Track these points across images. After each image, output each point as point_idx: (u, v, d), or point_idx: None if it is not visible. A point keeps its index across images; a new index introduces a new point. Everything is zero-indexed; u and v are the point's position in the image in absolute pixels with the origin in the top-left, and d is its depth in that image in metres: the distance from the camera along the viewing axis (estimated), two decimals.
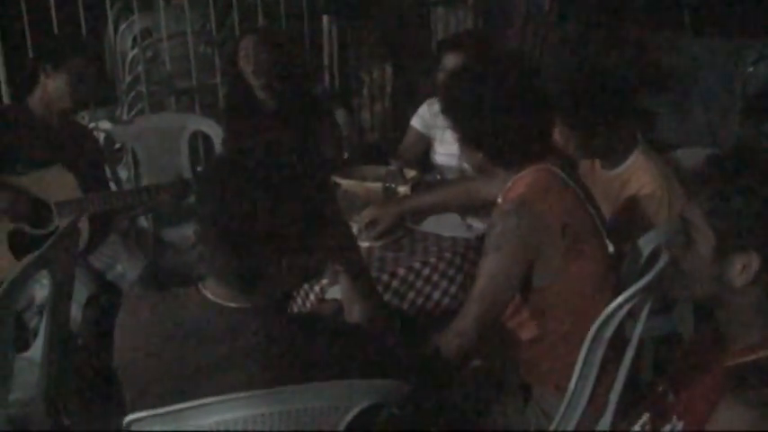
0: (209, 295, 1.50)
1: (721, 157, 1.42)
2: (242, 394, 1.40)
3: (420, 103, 3.62)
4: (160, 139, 3.80)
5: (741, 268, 1.33)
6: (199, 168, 3.87)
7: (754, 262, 1.31)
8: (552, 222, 1.98)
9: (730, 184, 1.35)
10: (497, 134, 2.00)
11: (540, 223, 1.97)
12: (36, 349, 2.37)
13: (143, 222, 3.61)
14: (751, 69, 5.01)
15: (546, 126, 2.11)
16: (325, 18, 4.49)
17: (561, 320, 2.06)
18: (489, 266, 1.99)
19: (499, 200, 2.16)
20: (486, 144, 2.05)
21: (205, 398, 1.40)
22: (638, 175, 2.67)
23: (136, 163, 3.86)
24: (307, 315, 1.85)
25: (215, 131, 3.77)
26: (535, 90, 2.04)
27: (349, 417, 1.47)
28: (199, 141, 4.18)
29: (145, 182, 3.65)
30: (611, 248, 2.12)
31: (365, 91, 5.01)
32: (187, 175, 3.68)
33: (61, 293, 2.27)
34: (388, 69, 5.13)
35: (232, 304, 1.48)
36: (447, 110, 2.11)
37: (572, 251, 2.00)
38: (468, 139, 2.08)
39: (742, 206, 1.32)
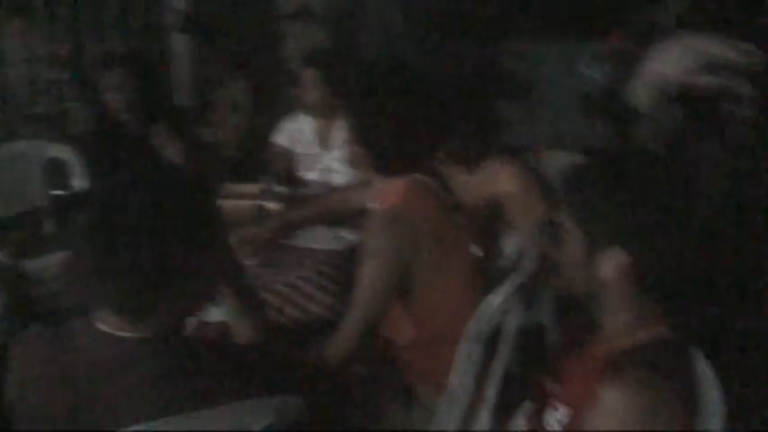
0: (102, 327, 1.49)
1: (583, 164, 1.55)
2: (142, 426, 1.40)
3: (278, 118, 3.67)
4: (13, 168, 3.67)
5: (608, 264, 1.45)
6: (54, 195, 3.75)
7: (620, 257, 1.44)
8: (424, 230, 2.08)
9: (595, 188, 1.48)
10: (391, 138, 2.09)
11: (413, 231, 2.07)
12: None
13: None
14: (589, 72, 5.32)
15: (431, 136, 2.21)
16: (180, 36, 4.47)
17: (436, 322, 2.15)
18: (368, 273, 2.07)
19: (373, 207, 2.24)
20: (377, 146, 2.12)
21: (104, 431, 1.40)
22: (496, 178, 2.84)
23: None
24: (198, 340, 1.86)
25: (71, 158, 3.67)
26: (426, 99, 2.14)
27: None
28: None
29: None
30: (478, 251, 2.25)
31: (221, 107, 5.00)
32: (42, 203, 3.57)
33: None
34: (244, 85, 5.15)
35: (125, 334, 1.47)
36: (349, 108, 2.19)
37: (444, 256, 2.11)
38: (363, 139, 2.14)
39: (607, 207, 1.45)
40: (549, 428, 1.54)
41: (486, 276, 2.32)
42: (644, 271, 1.44)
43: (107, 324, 1.48)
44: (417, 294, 2.14)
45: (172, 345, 1.52)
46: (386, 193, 2.18)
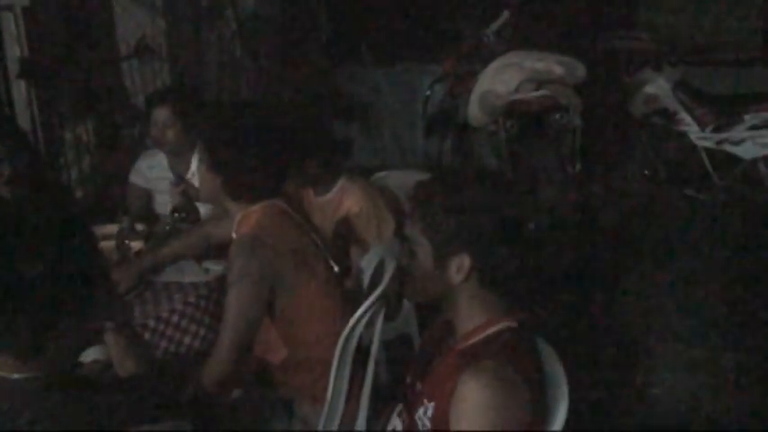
0: None
1: (427, 182, 1.72)
2: None
3: (126, 155, 3.67)
4: None
5: (456, 269, 1.63)
6: None
7: (466, 262, 1.61)
8: (283, 251, 2.20)
9: (436, 203, 1.66)
10: (244, 166, 2.21)
11: (272, 253, 2.18)
12: None
13: None
14: (428, 92, 5.57)
15: (283, 164, 2.33)
16: (22, 82, 4.39)
17: (304, 338, 2.28)
18: (235, 298, 2.17)
19: (233, 235, 2.34)
20: (233, 176, 2.23)
21: None
22: (346, 197, 3.01)
23: None
24: (86, 378, 1.90)
25: None
26: (278, 129, 2.27)
27: None
28: None
29: None
30: (336, 268, 2.40)
31: (67, 149, 4.93)
32: None
33: None
34: (89, 125, 5.09)
35: (16, 375, 1.51)
36: (205, 138, 2.30)
37: (303, 274, 2.24)
38: (216, 167, 2.25)
39: (449, 219, 1.63)
40: (420, 425, 1.69)
41: (344, 291, 2.46)
42: (486, 272, 1.62)
43: (1, 367, 1.51)
44: (284, 314, 2.25)
45: (63, 382, 1.56)
46: (241, 221, 2.29)
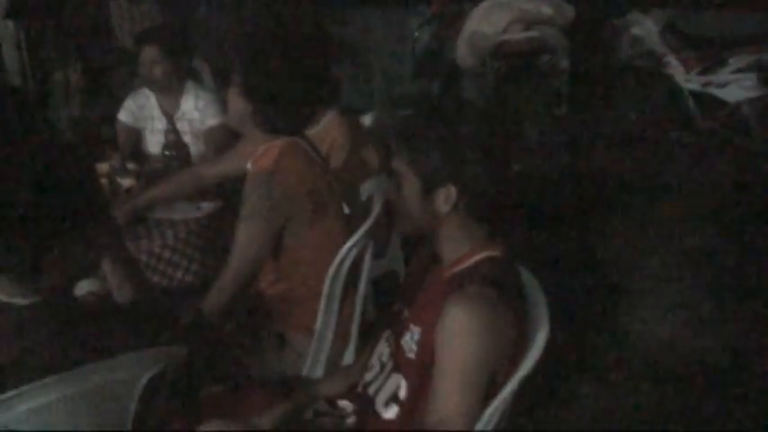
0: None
1: (412, 116, 1.77)
2: (41, 381, 1.49)
3: (113, 97, 3.69)
4: None
5: (443, 200, 1.68)
6: None
7: (452, 192, 1.67)
8: (300, 190, 2.22)
9: (422, 136, 1.70)
10: (278, 96, 2.22)
11: (289, 191, 2.21)
12: None
13: None
14: (416, 34, 5.58)
15: (314, 99, 2.36)
16: (10, 22, 4.38)
17: (307, 275, 2.31)
18: (246, 231, 2.20)
19: (249, 167, 2.33)
20: (263, 102, 2.24)
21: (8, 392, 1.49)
22: (332, 129, 3.04)
23: None
24: (83, 303, 1.96)
25: None
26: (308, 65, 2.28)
27: (141, 385, 1.63)
28: None
29: None
30: (346, 209, 2.43)
31: (56, 90, 4.94)
32: None
33: None
34: (77, 66, 5.09)
35: (18, 300, 1.57)
36: (243, 61, 2.27)
37: (317, 214, 2.27)
38: (249, 93, 2.25)
39: (433, 151, 1.67)
40: (406, 349, 1.76)
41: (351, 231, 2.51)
42: (472, 202, 1.68)
43: (2, 293, 1.57)
44: (289, 252, 2.29)
45: (62, 307, 1.62)
46: (261, 156, 2.29)
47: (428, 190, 1.69)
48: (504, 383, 1.65)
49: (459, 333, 1.58)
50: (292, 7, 6.08)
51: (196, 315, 2.15)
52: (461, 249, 1.73)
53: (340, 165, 2.99)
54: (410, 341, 1.75)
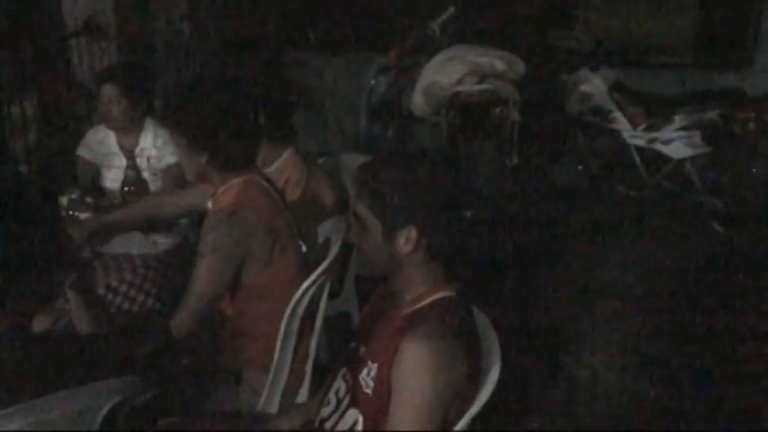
0: None
1: (372, 162, 1.84)
2: (5, 410, 1.51)
3: (72, 131, 3.71)
4: None
5: (404, 241, 1.75)
6: None
7: (413, 234, 1.74)
8: (260, 228, 2.28)
9: (384, 181, 1.76)
10: (225, 138, 2.28)
11: (248, 229, 2.26)
12: None
13: None
14: (373, 82, 5.68)
15: (257, 138, 2.42)
16: None
17: (263, 312, 2.36)
18: (205, 268, 2.23)
19: (210, 206, 2.40)
20: (211, 147, 2.29)
21: None
22: (288, 167, 3.11)
23: None
24: (45, 335, 1.97)
25: None
26: (248, 104, 2.34)
27: (101, 414, 1.66)
28: None
29: None
30: (303, 248, 2.49)
31: (12, 123, 4.92)
32: None
33: None
34: (33, 100, 5.09)
35: None
36: (178, 117, 2.32)
37: (276, 252, 2.32)
38: (197, 143, 2.30)
39: (395, 195, 1.74)
40: (363, 385, 1.81)
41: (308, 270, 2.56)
42: (432, 243, 1.75)
43: None
44: (245, 289, 2.34)
45: (23, 339, 1.65)
46: (222, 193, 2.36)
47: (389, 232, 1.75)
48: (455, 420, 1.71)
49: (415, 370, 1.64)
50: (251, 51, 6.18)
51: (152, 349, 2.17)
52: (419, 289, 1.79)
53: (295, 201, 3.06)
54: (367, 377, 1.80)
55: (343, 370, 1.94)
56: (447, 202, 1.76)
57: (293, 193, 3.10)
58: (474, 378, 1.75)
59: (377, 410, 1.75)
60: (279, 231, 2.34)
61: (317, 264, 2.45)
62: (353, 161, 3.74)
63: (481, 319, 1.90)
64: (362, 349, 1.89)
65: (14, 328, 1.62)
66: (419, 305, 1.78)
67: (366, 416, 1.79)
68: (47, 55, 5.12)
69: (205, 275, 2.23)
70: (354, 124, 6.10)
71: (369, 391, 1.78)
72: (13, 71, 4.82)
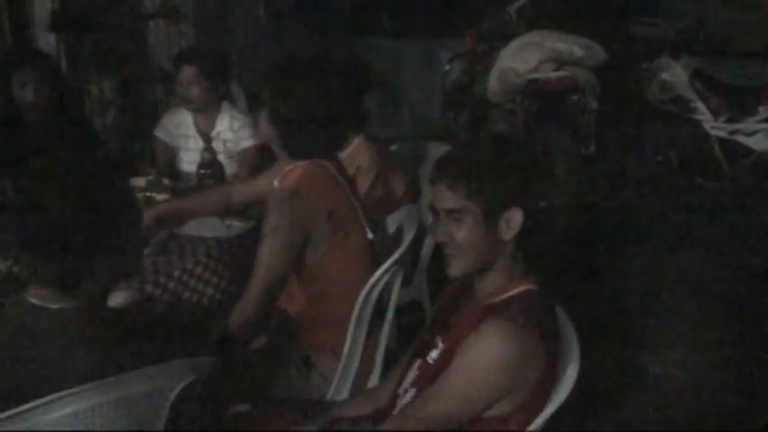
0: (34, 300, 1.60)
1: (454, 152, 1.81)
2: (79, 388, 1.52)
3: (149, 113, 3.76)
4: None
5: (507, 225, 1.70)
6: None
7: (517, 216, 1.69)
8: (320, 210, 2.26)
9: (478, 167, 1.70)
10: (299, 125, 2.27)
11: (309, 210, 2.25)
12: None
13: None
14: (448, 67, 5.64)
15: (339, 127, 2.40)
16: (51, 36, 4.49)
17: (332, 298, 2.34)
18: (268, 248, 2.24)
19: (275, 185, 2.41)
20: (285, 129, 2.29)
21: (42, 396, 1.52)
22: (358, 154, 3.09)
23: None
24: (119, 310, 2.00)
25: None
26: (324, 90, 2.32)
27: (174, 394, 1.66)
28: None
29: None
30: (370, 235, 2.47)
31: (92, 104, 5.02)
32: None
33: None
34: (113, 81, 5.18)
35: (55, 306, 1.61)
36: (271, 88, 2.33)
37: (337, 235, 2.30)
38: (274, 119, 2.30)
39: (496, 177, 1.69)
40: (430, 361, 1.79)
41: (376, 258, 2.54)
42: (534, 225, 1.70)
43: (39, 298, 1.61)
44: (311, 271, 2.33)
45: (98, 314, 1.67)
46: (286, 175, 2.37)
47: (492, 216, 1.70)
48: (534, 415, 1.67)
49: (485, 350, 1.61)
50: (325, 36, 6.18)
51: (223, 332, 2.18)
52: (501, 281, 1.76)
53: (365, 189, 3.04)
54: (434, 353, 1.79)
55: (418, 362, 1.91)
56: (546, 183, 1.73)
57: (364, 181, 3.09)
58: (550, 374, 1.70)
59: (430, 379, 1.73)
60: (342, 215, 2.33)
61: (389, 252, 2.43)
62: (426, 148, 3.72)
63: (561, 317, 1.85)
64: (438, 341, 1.86)
65: (89, 303, 1.63)
66: (501, 297, 1.74)
67: (419, 384, 1.78)
68: (125, 36, 5.20)
69: (267, 256, 2.23)
70: (427, 110, 6.07)
71: (431, 361, 1.77)
72: (93, 52, 4.90)
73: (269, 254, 2.23)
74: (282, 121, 2.29)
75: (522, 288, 1.74)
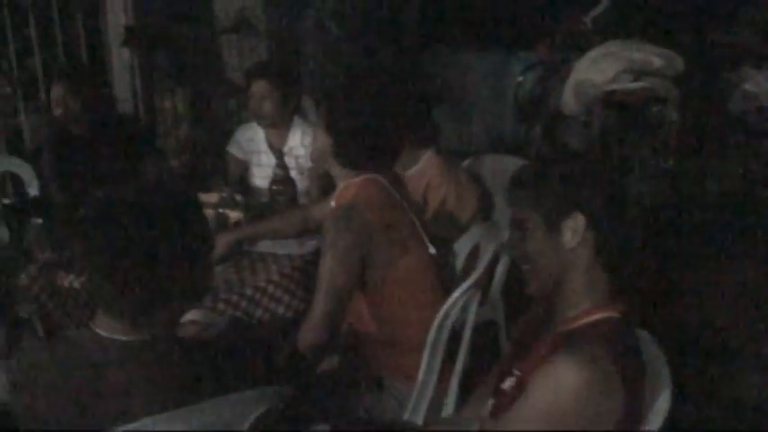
0: (101, 332, 1.57)
1: (529, 164, 1.74)
2: (151, 419, 1.49)
3: (221, 127, 3.77)
4: None
5: (571, 232, 1.62)
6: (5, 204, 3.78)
7: (580, 221, 1.61)
8: (377, 225, 2.23)
9: (541, 174, 1.67)
10: (357, 132, 2.26)
11: (365, 226, 2.22)
12: None
13: None
14: (520, 78, 5.54)
15: (397, 138, 2.37)
16: (125, 50, 4.56)
17: (393, 316, 2.30)
18: (327, 267, 2.22)
19: (332, 204, 2.39)
20: (341, 138, 2.28)
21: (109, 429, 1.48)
22: (429, 170, 3.03)
23: None
24: (187, 339, 1.97)
25: (25, 171, 3.73)
26: (389, 104, 2.31)
27: (248, 423, 1.63)
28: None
29: None
30: (431, 250, 2.41)
31: (164, 118, 5.07)
32: None
33: None
34: (185, 95, 5.22)
35: (124, 338, 1.56)
36: (329, 96, 2.35)
37: (396, 251, 2.26)
38: (330, 128, 2.30)
39: (556, 182, 1.63)
40: (505, 389, 1.71)
41: (441, 274, 2.49)
42: (599, 233, 1.62)
43: (107, 329, 1.57)
44: (375, 288, 2.29)
45: (168, 345, 1.63)
46: (342, 191, 2.35)
47: (552, 223, 1.63)
48: None
49: (557, 386, 1.51)
50: (396, 48, 6.15)
51: (292, 353, 2.14)
52: (580, 305, 1.66)
53: (435, 205, 2.98)
54: (509, 382, 1.72)
55: (495, 390, 1.84)
56: (612, 189, 1.64)
57: (434, 196, 3.03)
58: (633, 413, 1.59)
59: (506, 408, 1.65)
60: (399, 230, 2.29)
61: (464, 272, 2.37)
62: (499, 162, 3.64)
63: (647, 343, 1.74)
64: (514, 367, 1.78)
65: (163, 332, 1.59)
66: (578, 324, 1.65)
67: (495, 415, 1.71)
68: (198, 51, 5.25)
69: (327, 276, 2.21)
70: (499, 123, 5.98)
71: (506, 390, 1.70)
72: (167, 66, 4.95)
73: (329, 273, 2.21)
74: (337, 131, 2.28)
75: (602, 315, 1.64)
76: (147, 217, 1.54)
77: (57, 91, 3.40)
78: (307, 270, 2.76)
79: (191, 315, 2.27)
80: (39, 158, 3.62)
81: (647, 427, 1.62)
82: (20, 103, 4.27)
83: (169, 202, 1.60)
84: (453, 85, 6.31)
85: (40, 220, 2.95)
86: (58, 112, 3.40)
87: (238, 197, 3.16)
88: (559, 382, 1.51)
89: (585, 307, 1.66)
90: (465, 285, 2.23)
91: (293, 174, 3.45)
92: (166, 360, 1.58)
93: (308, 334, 2.20)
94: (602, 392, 1.51)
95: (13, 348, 2.77)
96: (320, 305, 2.21)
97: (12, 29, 4.47)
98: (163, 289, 1.56)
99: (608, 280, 1.67)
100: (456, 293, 2.21)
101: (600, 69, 4.83)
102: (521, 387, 1.64)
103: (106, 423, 1.50)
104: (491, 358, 2.41)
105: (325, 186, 3.29)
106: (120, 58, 4.90)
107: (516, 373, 1.71)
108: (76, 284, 2.58)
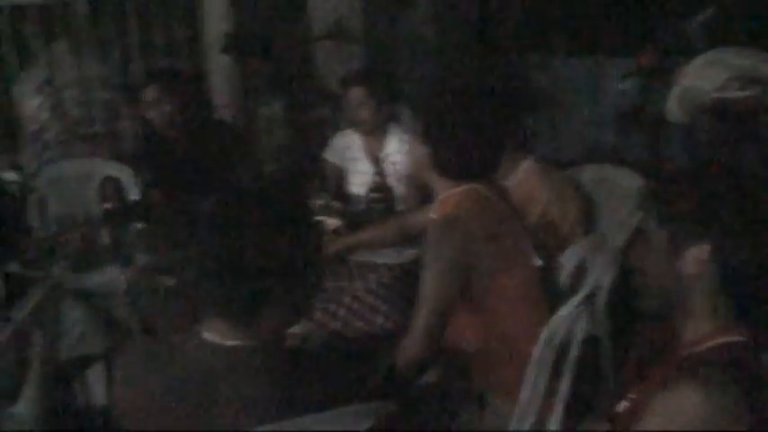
0: (208, 337, 1.55)
1: (663, 180, 1.65)
2: (268, 426, 1.46)
3: (315, 134, 3.77)
4: (70, 186, 3.81)
5: (693, 260, 1.53)
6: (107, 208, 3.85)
7: (705, 252, 1.52)
8: (480, 236, 2.17)
9: (673, 191, 1.58)
10: (456, 140, 2.22)
11: (468, 237, 2.16)
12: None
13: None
14: (620, 86, 5.39)
15: (496, 146, 2.31)
16: (228, 57, 4.61)
17: (500, 330, 2.24)
18: (429, 279, 2.17)
19: (432, 215, 2.33)
20: (440, 147, 2.25)
21: None
22: (528, 181, 2.94)
23: (44, 210, 3.83)
24: (294, 349, 1.95)
25: (125, 175, 3.80)
26: (489, 112, 2.24)
27: None
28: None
29: (55, 229, 3.61)
30: (538, 262, 2.33)
31: (261, 124, 5.10)
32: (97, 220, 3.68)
33: None
34: (280, 102, 5.24)
35: (232, 343, 1.55)
36: (427, 104, 2.32)
37: (500, 263, 2.20)
38: (427, 137, 2.27)
39: (689, 204, 1.54)
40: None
41: (546, 287, 2.40)
42: (725, 265, 1.52)
43: (214, 333, 1.55)
44: (479, 301, 2.23)
45: (276, 353, 1.60)
46: (442, 202, 2.29)
47: (678, 246, 1.55)
48: None
49: (673, 412, 1.43)
50: (493, 54, 6.07)
51: (390, 369, 2.09)
52: (702, 328, 1.57)
53: (536, 216, 2.89)
54: (623, 404, 1.65)
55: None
56: (746, 220, 1.52)
57: (534, 207, 2.94)
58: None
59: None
60: (504, 241, 2.22)
61: (569, 286, 2.28)
62: (599, 171, 3.52)
63: None
64: (629, 389, 1.69)
65: (269, 341, 1.56)
66: (701, 347, 1.55)
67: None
68: (294, 58, 5.27)
69: (430, 289, 2.15)
70: (599, 131, 5.83)
71: (620, 412, 1.62)
72: (264, 74, 4.98)
73: (431, 286, 2.16)
74: (436, 141, 2.24)
75: (727, 339, 1.54)
76: (260, 221, 1.52)
77: (150, 93, 3.44)
78: (405, 279, 2.71)
79: (292, 335, 2.24)
80: (139, 163, 3.68)
81: None
82: (122, 109, 4.35)
83: (284, 205, 1.58)
84: (552, 92, 6.19)
85: (140, 225, 2.99)
86: (150, 114, 3.43)
87: (336, 204, 3.14)
88: (683, 409, 1.43)
89: (708, 329, 1.57)
90: (575, 300, 2.14)
91: (390, 180, 3.43)
92: (273, 369, 1.55)
93: (409, 348, 2.15)
94: (730, 422, 1.42)
95: (112, 351, 2.81)
96: (422, 319, 2.15)
97: (114, 35, 4.57)
98: (272, 292, 1.53)
99: (731, 303, 1.57)
100: (565, 309, 2.12)
101: (708, 77, 4.63)
102: (635, 412, 1.57)
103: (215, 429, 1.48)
104: (591, 376, 2.32)
105: (423, 194, 3.24)
106: (219, 65, 4.95)
107: (631, 396, 1.62)
108: (176, 287, 2.59)
